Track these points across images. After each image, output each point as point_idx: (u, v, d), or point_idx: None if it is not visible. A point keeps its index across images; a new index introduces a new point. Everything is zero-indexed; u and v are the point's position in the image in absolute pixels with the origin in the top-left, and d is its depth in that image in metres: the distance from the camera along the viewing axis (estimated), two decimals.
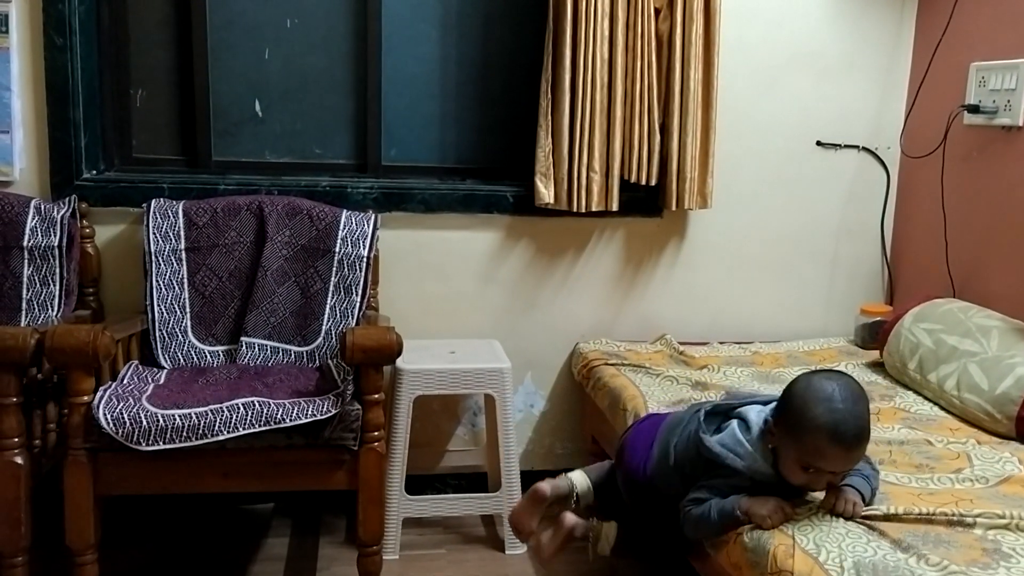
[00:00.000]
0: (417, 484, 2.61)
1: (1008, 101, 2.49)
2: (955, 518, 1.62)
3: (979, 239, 2.64)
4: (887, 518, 1.62)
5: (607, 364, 2.62)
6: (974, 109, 2.60)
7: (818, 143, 2.95)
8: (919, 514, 1.63)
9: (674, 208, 2.74)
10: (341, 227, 2.51)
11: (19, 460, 1.94)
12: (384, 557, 2.26)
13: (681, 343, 2.80)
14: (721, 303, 2.97)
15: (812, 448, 1.56)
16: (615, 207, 2.70)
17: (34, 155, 2.49)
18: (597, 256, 2.86)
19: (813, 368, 2.62)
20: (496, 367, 2.52)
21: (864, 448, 1.59)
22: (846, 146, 2.97)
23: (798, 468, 1.60)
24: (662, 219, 2.87)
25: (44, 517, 2.07)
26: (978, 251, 2.64)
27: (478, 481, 2.84)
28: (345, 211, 2.55)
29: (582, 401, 2.87)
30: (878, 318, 2.80)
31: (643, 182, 2.71)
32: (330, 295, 2.49)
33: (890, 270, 3.05)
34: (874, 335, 2.75)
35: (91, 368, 1.95)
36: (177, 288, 2.42)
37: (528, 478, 2.67)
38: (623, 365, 2.60)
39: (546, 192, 2.66)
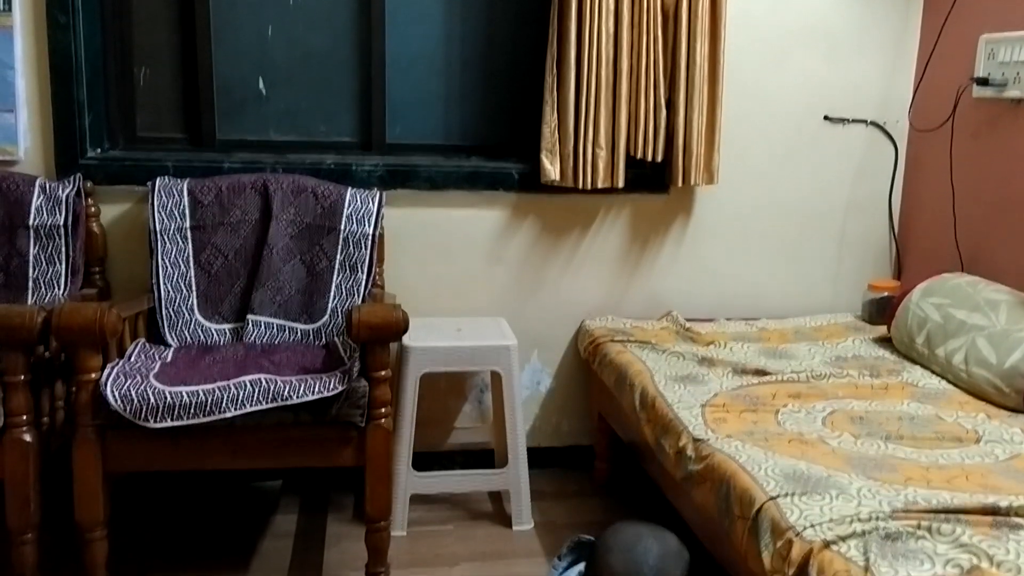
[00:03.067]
0: (424, 461, 2.62)
1: (1018, 74, 2.46)
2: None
3: (988, 213, 2.62)
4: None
5: (613, 341, 2.62)
6: (983, 82, 2.57)
7: (826, 118, 2.93)
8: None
9: (680, 184, 2.73)
10: (346, 205, 2.51)
11: (28, 438, 1.95)
12: (392, 533, 2.26)
13: (688, 320, 2.79)
14: (728, 280, 2.96)
15: None
16: (621, 184, 2.69)
17: (38, 134, 2.49)
18: (603, 233, 2.85)
19: (821, 342, 2.63)
20: (502, 344, 2.52)
21: None
22: (854, 121, 2.94)
23: None
24: (668, 196, 2.86)
25: (53, 495, 2.08)
26: (987, 225, 2.63)
27: (485, 458, 2.84)
28: (350, 189, 2.54)
29: (589, 379, 2.87)
30: (886, 294, 2.78)
31: (649, 158, 2.69)
32: (336, 273, 2.48)
33: (898, 245, 3.03)
34: (882, 311, 2.74)
35: (98, 346, 1.96)
36: (183, 266, 2.42)
37: (535, 455, 2.69)
38: (629, 342, 2.60)
39: (552, 169, 2.64)
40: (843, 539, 1.46)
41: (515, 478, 2.53)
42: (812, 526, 1.51)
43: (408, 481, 2.49)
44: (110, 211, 2.54)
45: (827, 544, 1.46)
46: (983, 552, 1.39)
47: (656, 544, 1.45)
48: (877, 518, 1.51)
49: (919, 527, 1.48)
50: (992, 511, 1.53)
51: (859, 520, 1.50)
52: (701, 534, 1.98)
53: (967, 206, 2.69)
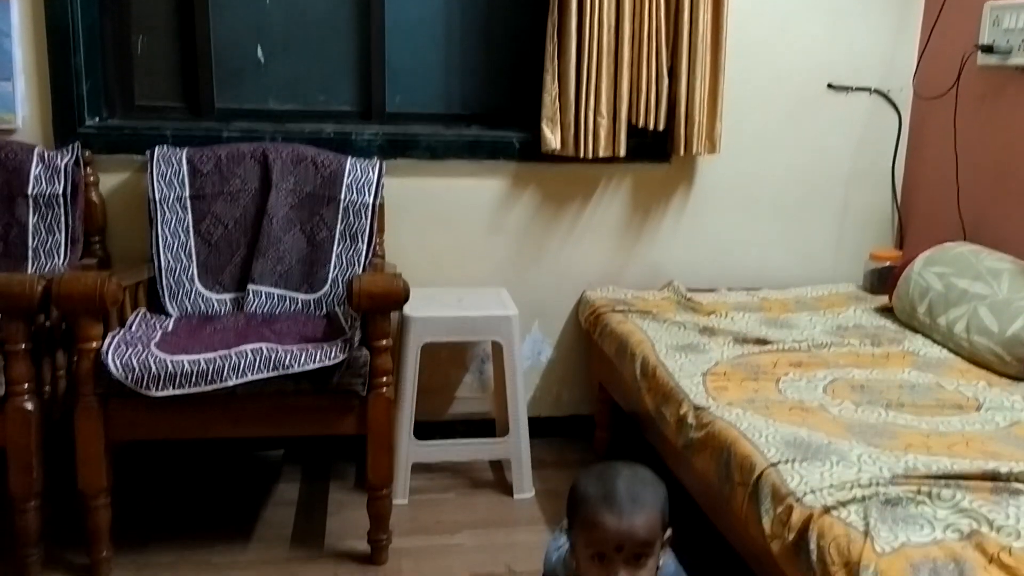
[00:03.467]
0: (425, 431, 2.62)
1: (1023, 41, 2.44)
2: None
3: (991, 182, 2.61)
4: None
5: (614, 311, 2.62)
6: (988, 49, 2.54)
7: (829, 86, 2.90)
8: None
9: (682, 153, 2.71)
10: (346, 175, 2.49)
11: (30, 406, 1.96)
12: (393, 501, 2.28)
13: (689, 290, 2.78)
14: (729, 250, 2.95)
15: (588, 522, 1.42)
16: (622, 153, 2.67)
17: (36, 103, 2.47)
18: (604, 203, 2.84)
19: (822, 312, 2.62)
20: (503, 314, 2.52)
21: (645, 518, 1.41)
22: (857, 88, 2.92)
23: (588, 560, 1.43)
24: (670, 165, 2.84)
25: (56, 463, 2.09)
26: (990, 194, 2.61)
27: (486, 428, 2.85)
28: (350, 158, 2.52)
29: (589, 349, 2.87)
30: (887, 263, 2.78)
31: (651, 127, 2.68)
32: (336, 243, 2.48)
33: (900, 215, 3.02)
34: (883, 281, 2.73)
35: (99, 314, 1.96)
36: (183, 236, 2.41)
37: (535, 425, 2.69)
38: (630, 312, 2.59)
39: (552, 138, 2.63)
40: (843, 504, 1.47)
41: (516, 446, 2.54)
42: (812, 492, 1.52)
43: (409, 450, 2.50)
44: (109, 180, 2.52)
45: (827, 509, 1.46)
46: (983, 517, 1.39)
47: (627, 468, 1.47)
48: (877, 484, 1.51)
49: (919, 492, 1.48)
50: (992, 477, 1.54)
51: (859, 486, 1.51)
52: (702, 502, 1.99)
53: (970, 175, 2.68)
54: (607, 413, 2.82)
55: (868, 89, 2.92)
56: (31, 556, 2.04)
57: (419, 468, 2.59)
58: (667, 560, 1.53)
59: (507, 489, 2.58)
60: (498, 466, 2.73)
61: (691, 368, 2.15)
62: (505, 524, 2.40)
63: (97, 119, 2.55)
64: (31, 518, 2.01)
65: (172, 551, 2.19)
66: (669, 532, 1.49)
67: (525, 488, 2.56)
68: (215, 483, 2.59)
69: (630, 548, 1.40)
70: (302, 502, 2.49)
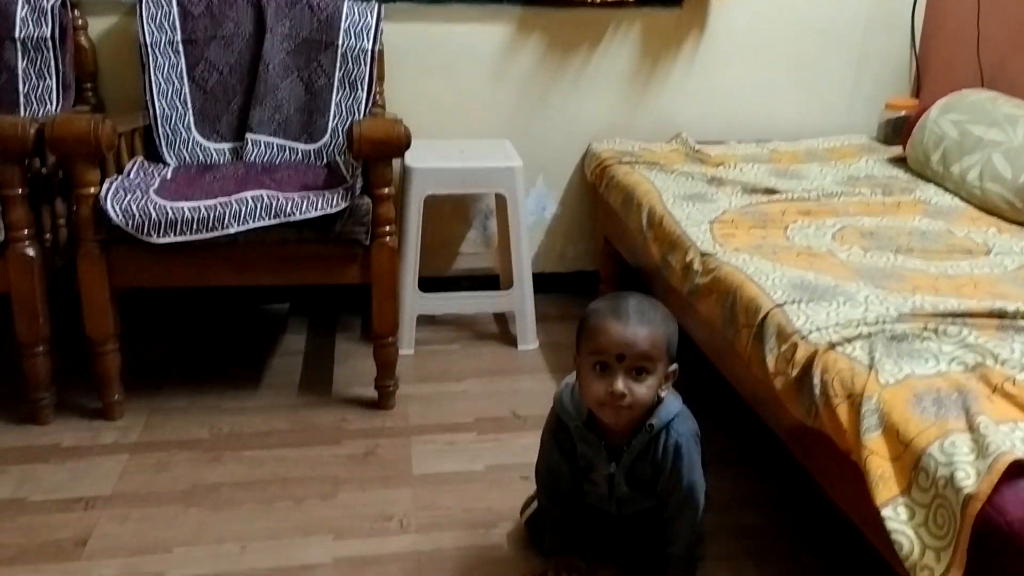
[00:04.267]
0: (430, 286, 2.62)
1: None
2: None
3: (1013, 27, 2.50)
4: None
5: (621, 163, 2.57)
6: None
7: None
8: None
9: None
10: (343, 18, 2.39)
11: (31, 252, 1.94)
12: (400, 352, 2.30)
13: (698, 142, 2.72)
14: (741, 100, 2.87)
15: (593, 330, 1.43)
16: None
17: None
18: (612, 51, 2.74)
19: (833, 163, 2.58)
20: (507, 166, 2.47)
21: (650, 332, 1.41)
22: None
23: (590, 370, 1.45)
24: (681, 10, 2.72)
25: (65, 313, 2.10)
26: (1011, 40, 2.51)
27: (490, 284, 2.85)
28: (347, 1, 2.42)
29: (595, 203, 2.83)
30: (903, 112, 2.70)
31: None
32: (335, 90, 2.40)
33: (918, 63, 2.92)
34: (898, 131, 2.67)
35: (94, 158, 1.92)
36: (177, 82, 2.34)
37: (539, 281, 2.69)
38: (637, 163, 2.54)
39: None
40: (848, 341, 1.46)
41: (520, 298, 2.55)
42: (818, 330, 1.51)
43: (414, 301, 2.50)
44: (98, 24, 2.43)
45: (832, 346, 1.46)
46: (988, 351, 1.39)
47: (640, 295, 1.49)
48: (884, 322, 1.50)
49: (925, 329, 1.47)
50: (999, 315, 1.53)
51: (865, 324, 1.50)
52: (707, 350, 2.00)
53: (992, 20, 2.57)
54: (612, 268, 2.81)
55: None
56: (43, 400, 2.07)
57: (424, 321, 2.61)
58: (670, 398, 1.54)
59: (511, 341, 2.60)
60: (502, 319, 2.74)
61: (698, 217, 2.12)
62: (509, 373, 2.43)
63: None
64: (40, 363, 2.03)
65: (182, 397, 2.23)
66: (675, 367, 1.50)
67: (529, 340, 2.58)
68: (223, 335, 2.61)
69: (631, 358, 1.42)
70: (309, 352, 2.52)
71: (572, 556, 1.63)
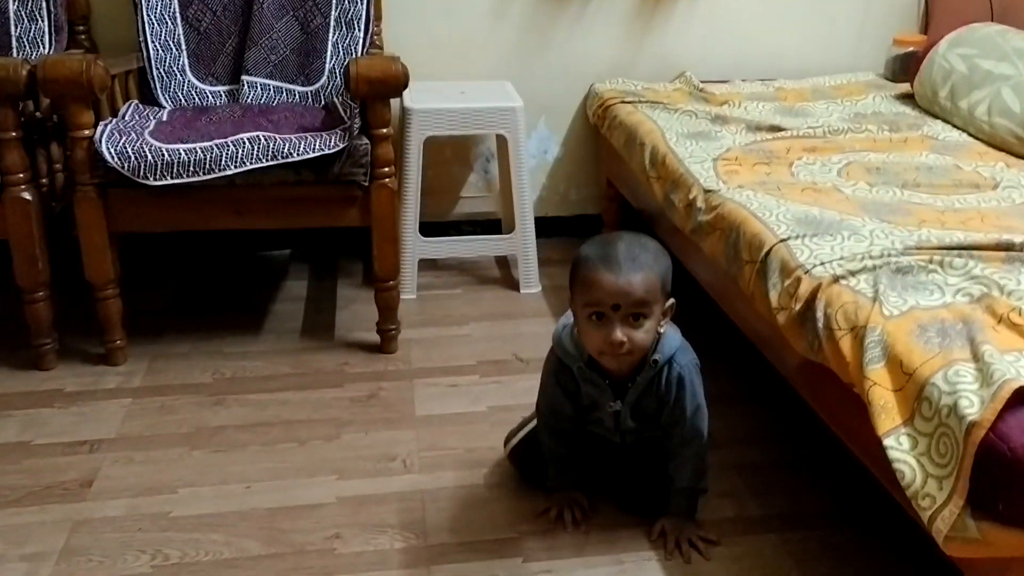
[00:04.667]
0: (432, 230, 2.60)
1: None
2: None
3: None
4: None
5: (623, 103, 2.53)
6: None
7: None
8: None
9: None
10: None
11: (27, 196, 1.93)
12: (402, 296, 2.29)
13: (702, 81, 2.68)
14: (746, 38, 2.81)
15: (585, 281, 1.41)
16: None
17: None
18: None
19: (840, 100, 2.53)
20: (508, 106, 2.43)
21: (643, 277, 1.39)
22: None
23: (586, 320, 1.43)
24: None
25: (65, 258, 2.09)
26: None
27: (492, 227, 2.83)
28: None
29: (597, 145, 2.80)
30: (911, 48, 2.65)
31: None
32: (331, 31, 2.36)
33: None
34: (906, 67, 2.62)
35: (87, 100, 1.89)
36: (170, 23, 2.30)
37: (542, 225, 2.67)
38: (640, 103, 2.50)
39: None
40: (852, 274, 1.45)
41: (522, 242, 2.53)
42: (821, 264, 1.49)
43: (416, 245, 2.49)
44: None
45: (836, 279, 1.45)
46: (994, 283, 1.37)
47: (629, 234, 1.48)
48: (888, 255, 1.48)
49: (931, 262, 1.45)
50: (1006, 247, 1.51)
51: (870, 257, 1.48)
52: (710, 289, 1.99)
53: None
54: (615, 211, 2.78)
55: None
56: (46, 345, 2.07)
57: (426, 266, 2.59)
58: (670, 332, 1.53)
59: (514, 285, 2.59)
60: (504, 264, 2.73)
61: (701, 154, 2.10)
62: (512, 316, 2.42)
63: None
64: (41, 308, 2.03)
65: (185, 342, 2.23)
66: (671, 302, 1.49)
67: (531, 284, 2.56)
68: (225, 282, 2.60)
69: (627, 307, 1.41)
70: (311, 297, 2.51)
71: (575, 492, 1.64)
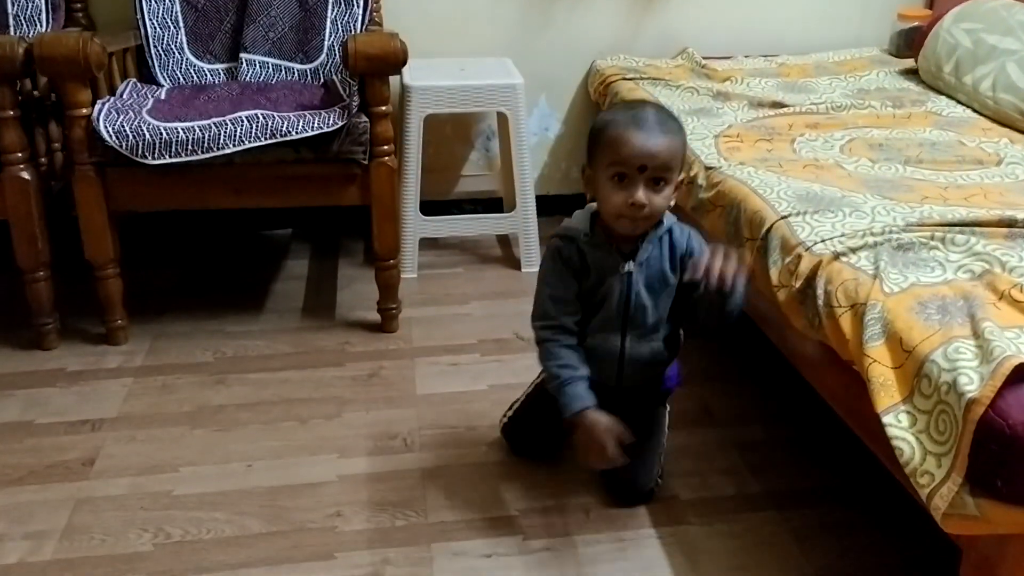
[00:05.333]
0: (433, 209, 2.59)
1: None
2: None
3: None
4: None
5: (625, 79, 2.51)
6: None
7: None
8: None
9: None
10: None
11: (25, 175, 1.92)
12: (403, 275, 2.29)
13: (704, 58, 2.65)
14: (748, 14, 2.78)
15: (614, 140, 1.40)
16: None
17: None
18: None
19: (843, 76, 2.51)
20: (508, 83, 2.41)
21: (670, 142, 1.40)
22: None
23: (609, 182, 1.42)
24: None
25: (66, 238, 2.09)
26: None
27: (493, 206, 2.82)
28: None
29: None
30: (916, 23, 2.62)
31: None
32: (330, 7, 2.34)
33: None
34: (910, 42, 2.59)
35: (85, 78, 1.88)
36: (167, 1, 2.28)
37: (543, 203, 2.65)
38: (642, 79, 2.49)
39: None
40: (853, 251, 1.44)
41: (523, 220, 2.52)
42: (822, 241, 1.49)
43: (416, 224, 2.48)
44: None
45: (836, 256, 1.44)
46: (996, 259, 1.36)
47: (652, 103, 1.47)
48: (890, 231, 1.47)
49: (932, 238, 1.44)
50: (1008, 224, 1.50)
51: (871, 234, 1.47)
52: None
53: None
54: None
55: None
56: (47, 325, 2.07)
57: (427, 245, 2.59)
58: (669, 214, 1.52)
59: (515, 263, 2.59)
60: (506, 242, 2.72)
61: (703, 131, 2.08)
62: (514, 295, 2.41)
63: None
64: (42, 288, 2.03)
65: (186, 322, 2.23)
66: (684, 176, 1.48)
67: (532, 262, 2.55)
68: (226, 262, 2.60)
69: (652, 169, 1.41)
70: (312, 277, 2.51)
71: (596, 413, 1.47)
